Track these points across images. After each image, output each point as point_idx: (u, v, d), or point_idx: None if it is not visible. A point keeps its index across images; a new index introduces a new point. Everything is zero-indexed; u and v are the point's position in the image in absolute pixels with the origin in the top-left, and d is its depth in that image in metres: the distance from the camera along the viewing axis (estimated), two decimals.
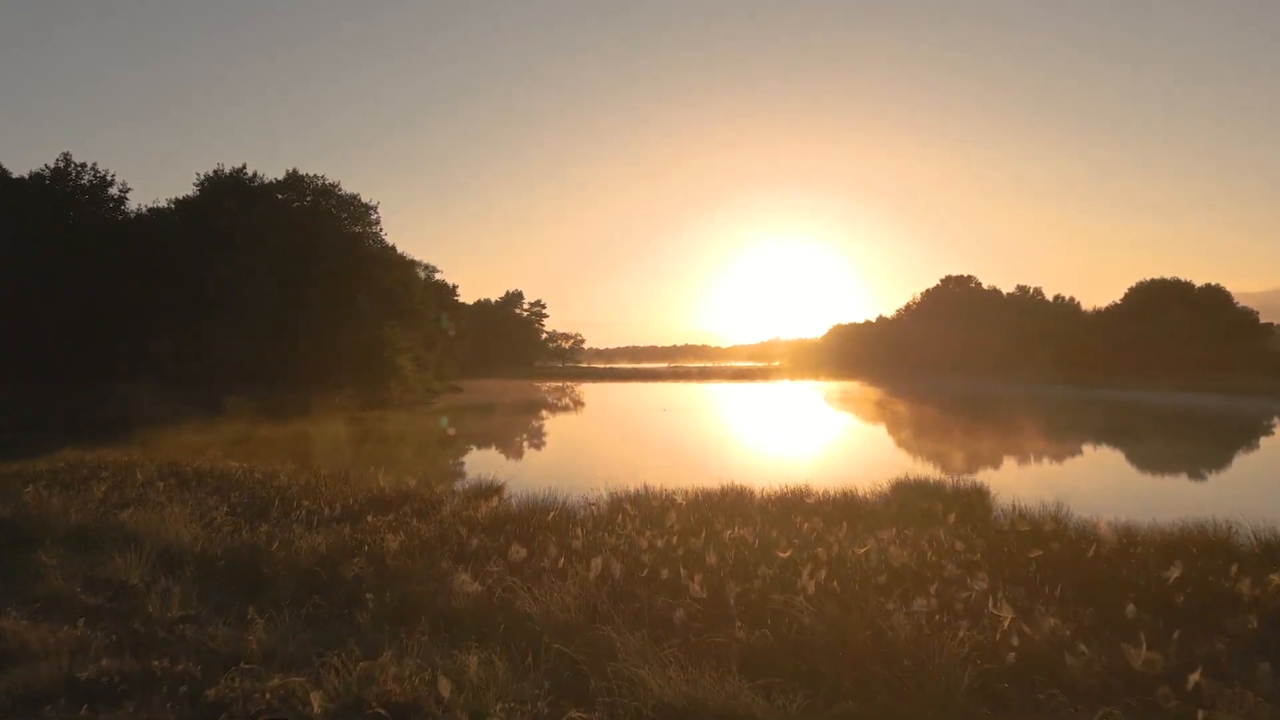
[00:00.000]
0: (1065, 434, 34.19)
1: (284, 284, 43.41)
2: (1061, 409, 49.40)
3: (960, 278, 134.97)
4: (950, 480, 15.43)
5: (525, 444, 31.98)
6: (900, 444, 29.80)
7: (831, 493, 13.70)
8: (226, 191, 47.05)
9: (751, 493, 13.99)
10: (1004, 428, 36.78)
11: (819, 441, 30.76)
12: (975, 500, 13.98)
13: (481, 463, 26.18)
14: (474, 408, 52.29)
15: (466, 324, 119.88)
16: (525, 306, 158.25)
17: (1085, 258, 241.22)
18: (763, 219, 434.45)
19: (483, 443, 32.69)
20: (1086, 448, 29.88)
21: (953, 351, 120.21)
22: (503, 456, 27.75)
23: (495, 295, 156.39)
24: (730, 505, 12.21)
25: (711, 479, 18.50)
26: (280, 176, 48.91)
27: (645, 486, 14.12)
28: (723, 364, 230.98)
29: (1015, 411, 48.12)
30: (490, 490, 14.74)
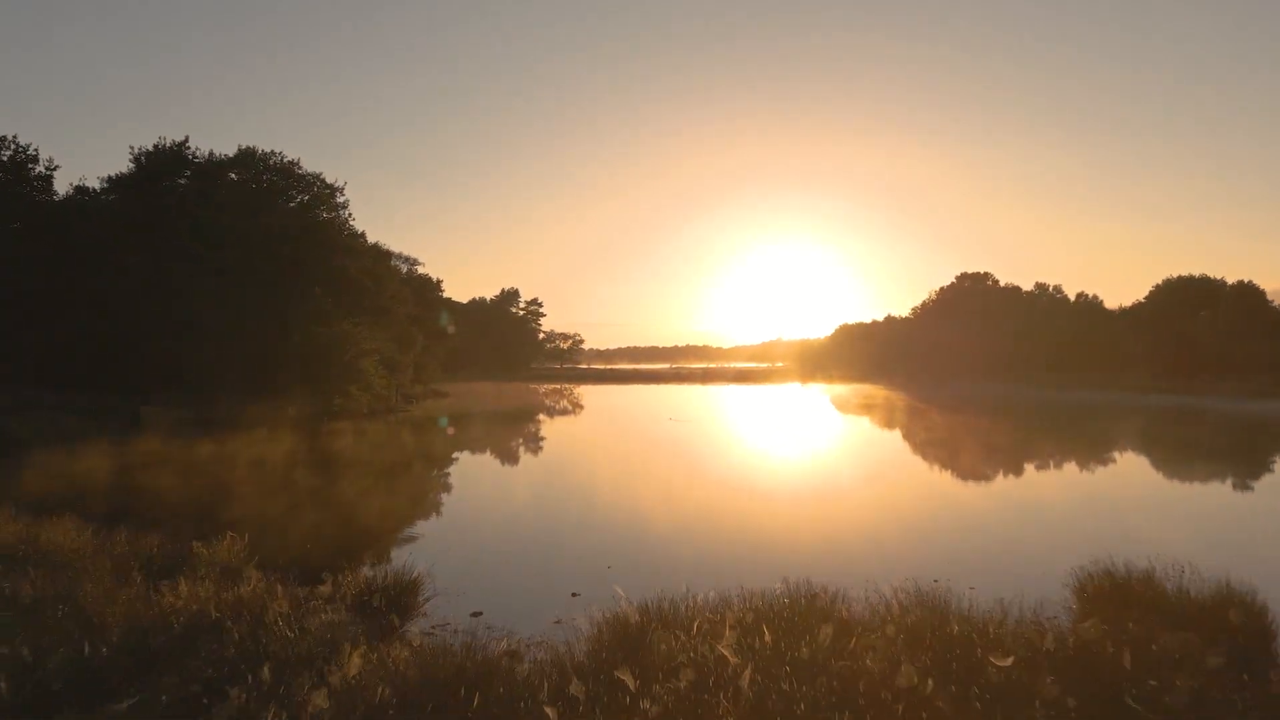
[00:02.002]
0: (1214, 464, 27.06)
1: (225, 273, 37.28)
2: (1151, 421, 42.75)
3: (976, 275, 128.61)
4: (1159, 564, 9.22)
5: (494, 473, 25.76)
6: (990, 480, 22.95)
7: (988, 602, 7.60)
8: (165, 168, 40.92)
9: (849, 603, 7.89)
10: (1109, 450, 30.42)
11: (880, 473, 23.82)
12: (1250, 623, 7.85)
13: (427, 507, 20.00)
14: (453, 417, 46.10)
15: (457, 323, 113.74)
16: (521, 305, 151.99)
17: (1088, 256, 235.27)
18: (762, 219, 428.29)
19: (442, 471, 26.54)
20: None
21: (971, 353, 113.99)
22: (458, 495, 21.56)
23: (491, 294, 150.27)
24: (827, 662, 6.03)
25: (764, 556, 12.39)
26: (231, 153, 42.76)
27: (662, 595, 7.97)
28: (725, 365, 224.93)
29: (1094, 424, 41.91)
30: (393, 593, 8.62)
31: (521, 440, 36.30)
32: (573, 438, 38.42)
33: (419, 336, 52.66)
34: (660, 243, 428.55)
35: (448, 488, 22.10)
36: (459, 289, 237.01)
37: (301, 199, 44.03)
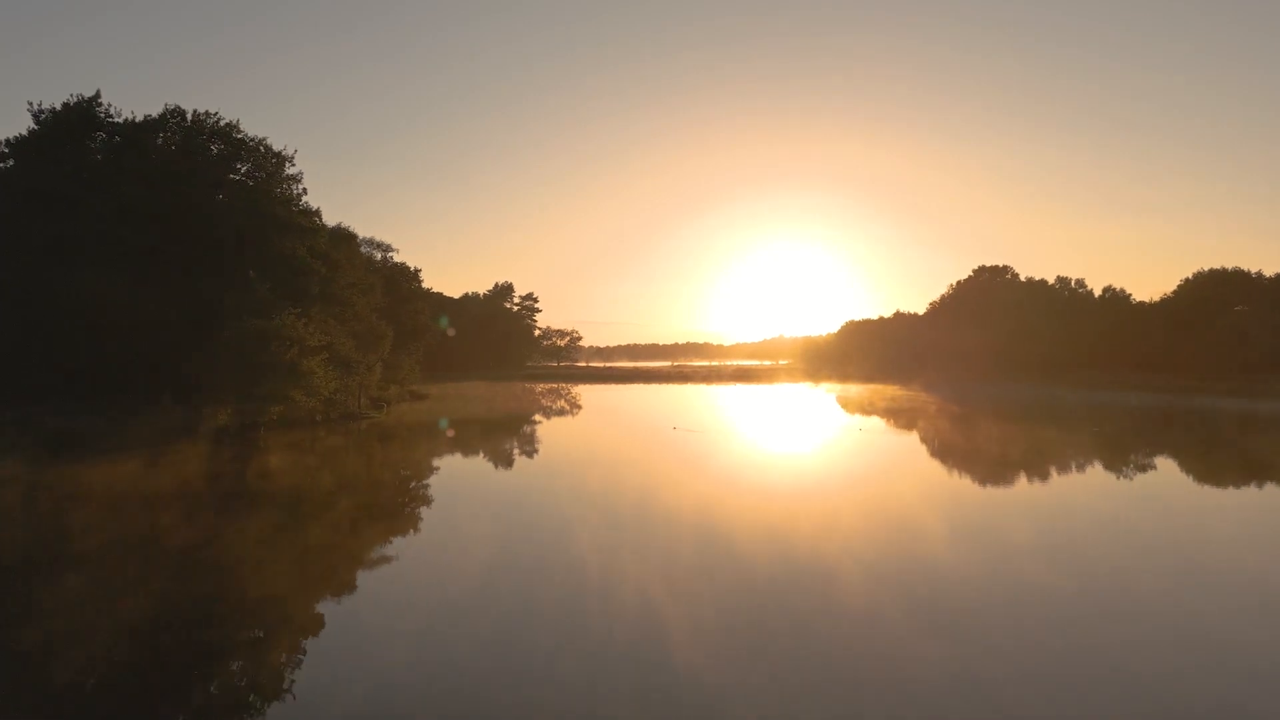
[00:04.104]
0: None
1: (136, 254, 30.71)
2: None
3: (995, 268, 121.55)
4: None
5: (438, 525, 18.94)
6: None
7: None
8: (73, 131, 34.23)
9: None
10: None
11: (1004, 530, 16.03)
12: None
13: (316, 598, 13.38)
14: (419, 427, 39.55)
15: (448, 319, 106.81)
16: (516, 300, 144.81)
17: (1089, 252, 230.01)
18: (763, 217, 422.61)
19: (372, 514, 19.92)
20: None
21: (990, 351, 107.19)
22: (371, 574, 14.88)
23: (484, 289, 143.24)
24: None
25: None
26: (155, 113, 36.08)
27: None
28: (727, 362, 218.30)
29: (1224, 442, 35.31)
30: None
31: (494, 460, 29.75)
32: (558, 457, 31.82)
33: (389, 332, 45.98)
34: (660, 241, 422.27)
35: (363, 552, 15.45)
36: (455, 287, 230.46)
37: (244, 169, 37.36)
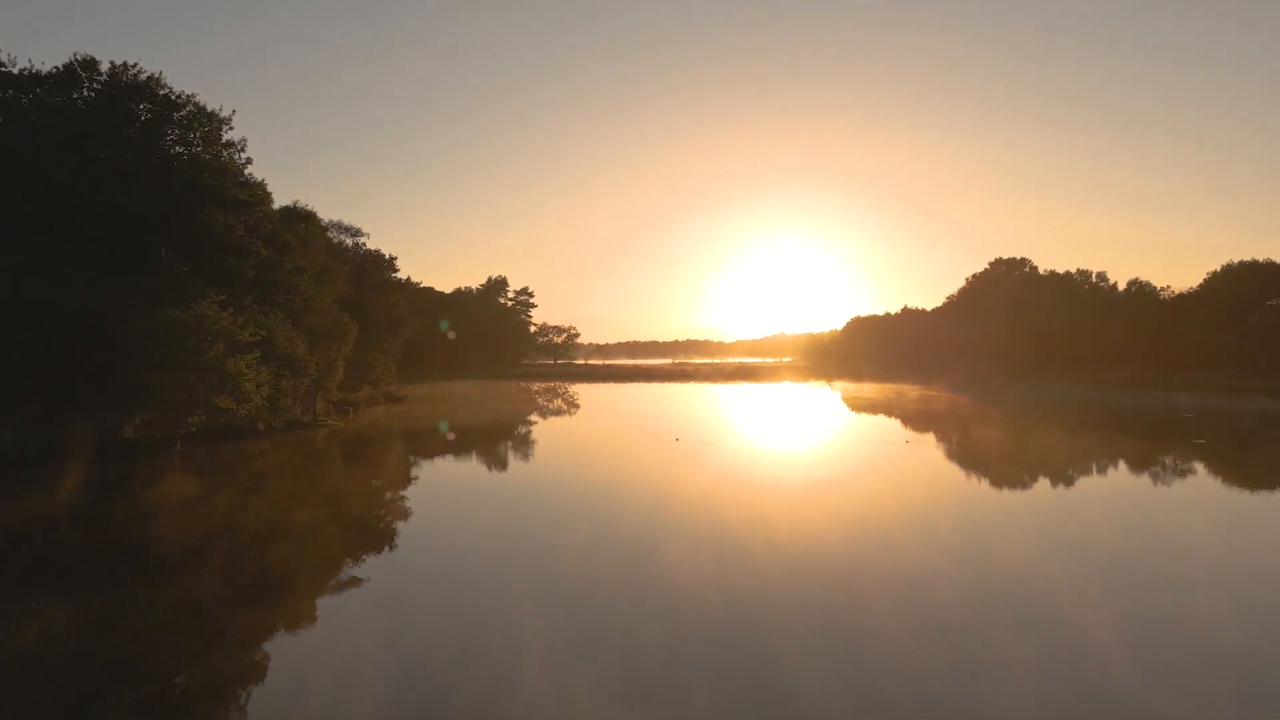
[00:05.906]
0: None
1: (19, 230, 24.92)
2: None
3: (1013, 260, 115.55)
4: None
5: (344, 635, 13.06)
6: None
7: None
8: None
9: None
10: None
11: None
12: None
13: None
14: (387, 437, 33.76)
15: (439, 316, 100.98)
16: (510, 295, 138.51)
17: (1088, 249, 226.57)
18: (763, 213, 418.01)
19: (253, 587, 14.12)
20: None
21: (1008, 347, 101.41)
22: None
23: (476, 284, 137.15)
24: None
25: None
26: (60, 65, 30.21)
27: None
28: (728, 360, 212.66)
29: None
30: None
31: (458, 493, 23.97)
32: (541, 483, 26.03)
33: (353, 326, 40.09)
34: (660, 237, 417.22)
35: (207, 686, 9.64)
36: (449, 284, 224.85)
37: (173, 133, 31.49)
